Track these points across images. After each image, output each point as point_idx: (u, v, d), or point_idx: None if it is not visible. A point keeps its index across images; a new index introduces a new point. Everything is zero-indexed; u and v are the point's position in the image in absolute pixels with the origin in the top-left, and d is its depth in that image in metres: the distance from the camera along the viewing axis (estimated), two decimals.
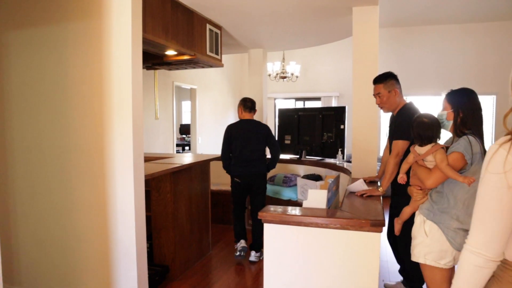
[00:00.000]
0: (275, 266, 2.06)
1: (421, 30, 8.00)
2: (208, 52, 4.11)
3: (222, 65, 4.44)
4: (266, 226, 2.06)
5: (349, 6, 3.62)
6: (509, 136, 1.07)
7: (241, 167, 3.84)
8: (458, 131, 2.05)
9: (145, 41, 3.08)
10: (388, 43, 7.98)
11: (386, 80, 2.79)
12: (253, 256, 3.84)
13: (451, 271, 2.08)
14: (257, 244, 3.85)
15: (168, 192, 3.35)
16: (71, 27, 2.61)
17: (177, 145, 8.03)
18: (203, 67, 4.53)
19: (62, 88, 2.66)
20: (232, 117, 8.97)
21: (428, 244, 2.03)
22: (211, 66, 4.47)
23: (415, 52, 8.04)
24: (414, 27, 8.02)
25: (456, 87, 2.18)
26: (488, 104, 7.73)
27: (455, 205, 1.98)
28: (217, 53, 4.29)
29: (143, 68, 4.55)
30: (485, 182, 1.09)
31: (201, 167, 3.89)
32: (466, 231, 2.01)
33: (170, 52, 3.73)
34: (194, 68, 4.63)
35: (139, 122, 2.55)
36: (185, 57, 3.88)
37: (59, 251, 2.75)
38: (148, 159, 3.90)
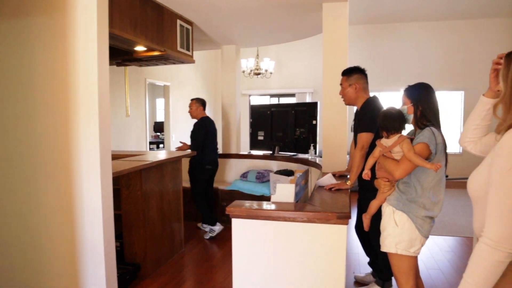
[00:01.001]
0: (244, 261, 2.07)
1: (393, 28, 8.16)
2: (179, 48, 4.08)
3: (193, 61, 4.41)
4: (234, 221, 2.06)
5: (319, 2, 3.66)
6: None
7: (214, 155, 4.60)
8: (419, 124, 2.13)
9: (112, 36, 3.03)
10: (360, 40, 8.11)
11: (350, 73, 2.85)
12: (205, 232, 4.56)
13: (416, 259, 2.16)
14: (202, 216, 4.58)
15: (139, 190, 3.31)
16: (34, 22, 2.53)
17: (151, 143, 7.93)
18: (174, 63, 4.49)
19: (25, 85, 2.58)
20: (207, 113, 8.92)
21: (399, 234, 2.08)
22: (182, 62, 4.44)
23: (387, 49, 8.20)
24: (386, 24, 8.17)
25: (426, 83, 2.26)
26: (456, 100, 7.99)
27: (422, 193, 2.06)
28: (188, 49, 4.26)
29: (113, 64, 4.48)
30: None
31: (173, 164, 3.86)
32: (432, 218, 2.09)
33: (140, 48, 3.68)
34: (165, 64, 4.58)
35: (106, 119, 2.50)
36: (155, 53, 3.84)
37: (22, 252, 2.67)
38: (118, 156, 3.84)
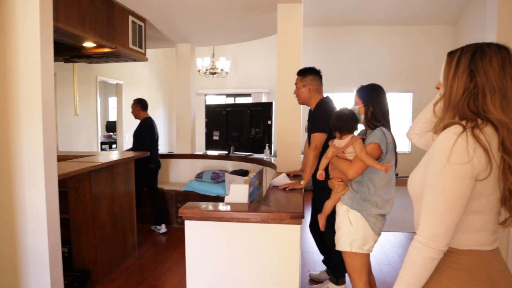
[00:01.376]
0: (198, 264, 2.03)
1: (346, 30, 8.40)
2: (131, 45, 3.95)
3: (146, 59, 4.29)
4: (187, 223, 2.02)
5: (274, 2, 3.68)
6: (460, 127, 1.09)
7: (157, 155, 4.75)
8: (370, 124, 2.19)
9: (58, 31, 2.88)
10: (314, 41, 8.28)
11: (305, 74, 2.89)
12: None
13: (369, 256, 2.22)
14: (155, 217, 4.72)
15: (88, 192, 3.17)
16: None
17: (103, 143, 7.64)
18: (126, 61, 4.35)
19: None
20: (162, 113, 8.75)
21: (353, 232, 2.14)
22: (134, 60, 4.30)
23: (340, 51, 8.42)
24: (340, 27, 8.39)
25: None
26: (406, 101, 8.37)
27: (375, 192, 2.13)
28: (141, 47, 4.14)
29: (60, 60, 4.26)
30: (446, 172, 1.07)
31: (125, 165, 3.74)
32: (384, 215, 2.16)
33: (89, 44, 3.52)
34: (116, 61, 4.43)
35: (50, 118, 2.37)
36: (106, 50, 3.69)
37: None
38: (65, 157, 3.67)
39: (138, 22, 4.06)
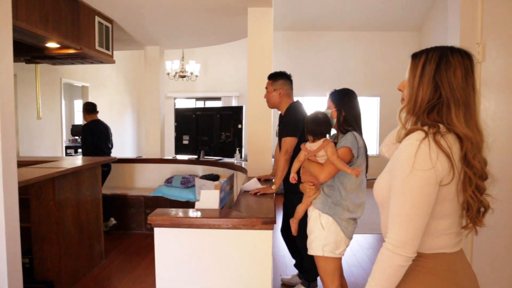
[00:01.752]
0: (168, 272, 1.97)
1: (316, 35, 8.52)
2: (97, 47, 3.83)
3: (113, 62, 4.17)
4: (157, 231, 1.96)
5: (245, 6, 3.67)
6: (423, 133, 1.10)
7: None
8: (341, 128, 2.21)
9: (18, 30, 2.75)
10: (284, 46, 8.34)
11: (275, 78, 2.89)
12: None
13: (341, 260, 2.23)
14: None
15: (51, 200, 3.03)
16: None
17: (69, 148, 7.36)
18: (92, 62, 4.20)
19: None
20: (130, 117, 8.55)
21: (325, 237, 2.14)
22: (101, 62, 4.17)
23: (310, 55, 8.53)
24: (309, 32, 8.50)
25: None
26: (373, 105, 8.57)
27: (346, 196, 2.14)
28: (107, 49, 4.02)
29: (21, 61, 4.08)
30: (411, 179, 1.08)
31: (91, 170, 3.61)
32: (355, 219, 2.18)
33: (52, 45, 3.38)
34: (82, 63, 4.27)
35: (9, 121, 2.24)
36: (71, 51, 3.56)
37: None
38: (27, 163, 3.50)
39: (105, 23, 3.94)
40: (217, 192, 2.16)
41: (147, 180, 5.16)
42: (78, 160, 3.86)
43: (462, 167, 1.09)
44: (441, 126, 1.12)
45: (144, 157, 5.44)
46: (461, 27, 2.18)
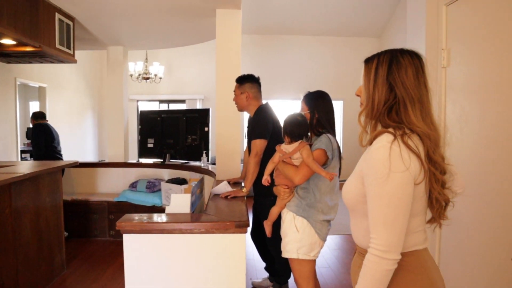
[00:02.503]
0: (139, 280, 1.89)
1: (282, 39, 8.61)
2: (57, 45, 3.65)
3: (75, 61, 4.00)
4: (126, 237, 1.88)
5: (213, 7, 3.63)
6: (391, 135, 1.12)
7: (60, 159, 4.70)
8: (315, 130, 2.21)
9: None
10: (251, 49, 8.35)
11: (242, 82, 2.88)
12: None
13: (315, 262, 2.24)
14: None
15: (7, 208, 2.83)
16: None
17: (24, 152, 6.98)
18: (52, 62, 4.01)
19: None
20: (91, 120, 8.24)
21: (300, 239, 2.13)
22: (62, 62, 3.99)
23: (277, 58, 8.60)
24: (276, 35, 8.58)
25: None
26: (337, 109, 8.75)
27: (320, 198, 2.14)
28: (69, 47, 3.85)
29: None
30: (390, 181, 1.09)
31: (51, 175, 3.42)
32: (329, 221, 2.18)
33: (7, 41, 3.19)
34: (41, 62, 4.07)
35: None
36: (28, 49, 3.38)
37: None
38: None
39: (66, 20, 3.77)
40: (188, 195, 2.11)
41: (111, 185, 4.97)
42: (37, 165, 3.65)
43: (428, 165, 1.13)
44: (405, 127, 1.14)
45: (107, 161, 5.25)
46: (427, 34, 2.26)
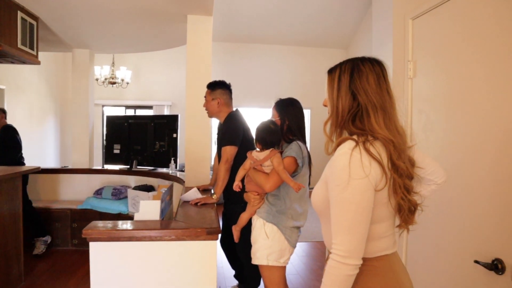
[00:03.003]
0: None
1: (252, 47, 8.68)
2: (19, 45, 3.50)
3: (38, 62, 3.84)
4: (92, 245, 1.80)
5: (184, 13, 3.61)
6: (353, 142, 1.14)
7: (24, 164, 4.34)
8: (285, 137, 2.22)
9: None
10: (222, 56, 8.36)
11: (214, 88, 2.87)
12: (38, 246, 4.15)
13: (285, 269, 2.24)
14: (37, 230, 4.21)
15: None
16: None
17: None
18: (13, 62, 3.83)
19: None
20: (53, 124, 7.93)
21: (270, 246, 2.13)
22: (24, 63, 3.82)
23: (247, 67, 8.66)
24: (246, 44, 8.64)
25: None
26: (305, 117, 8.88)
27: (290, 205, 2.15)
28: (32, 48, 3.70)
29: None
30: (350, 188, 1.10)
31: (10, 182, 3.25)
32: (298, 228, 2.18)
33: None
34: (1, 62, 3.88)
35: None
36: None
37: None
38: None
39: (29, 20, 3.62)
40: (158, 202, 2.06)
41: (74, 192, 4.79)
42: None
43: (390, 171, 1.14)
44: (368, 134, 1.17)
45: (70, 167, 5.05)
46: (394, 46, 2.34)
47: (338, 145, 1.17)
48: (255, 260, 2.19)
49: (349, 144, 1.13)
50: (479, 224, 1.59)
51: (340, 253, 1.10)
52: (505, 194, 1.46)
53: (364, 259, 1.17)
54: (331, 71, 1.29)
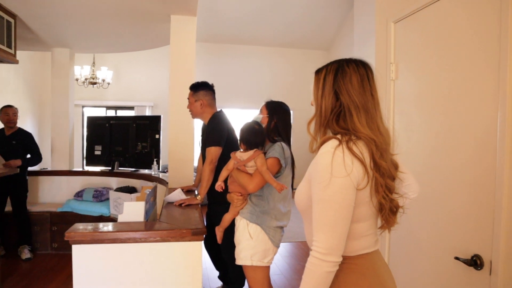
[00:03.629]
0: None
1: (234, 49, 8.69)
2: None
3: (16, 61, 3.75)
4: (75, 248, 1.77)
5: (168, 13, 3.59)
6: (337, 141, 1.16)
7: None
8: (270, 137, 2.23)
9: None
10: (205, 57, 8.33)
11: (196, 89, 2.86)
12: (26, 253, 4.04)
13: (269, 268, 2.24)
14: (27, 238, 4.14)
15: None
16: None
17: None
18: None
19: None
20: (30, 125, 7.73)
21: (254, 246, 2.13)
22: (1, 61, 3.73)
23: (230, 67, 8.66)
24: (230, 44, 8.64)
25: (262, 102, 2.40)
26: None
27: (274, 205, 2.16)
28: (9, 46, 3.61)
29: None
30: (331, 186, 1.11)
31: None
32: (282, 228, 2.19)
33: None
34: None
35: None
36: None
37: None
38: None
39: (6, 17, 3.53)
40: (142, 203, 2.04)
41: (54, 195, 4.69)
42: None
43: (372, 170, 1.16)
44: (352, 133, 1.19)
45: (49, 169, 4.95)
46: (376, 48, 2.39)
47: (322, 143, 1.19)
48: (239, 261, 2.19)
49: (332, 143, 1.15)
50: (459, 221, 1.64)
51: (320, 250, 1.11)
52: (483, 192, 1.51)
53: (345, 257, 1.19)
54: (318, 72, 1.30)
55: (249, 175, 2.14)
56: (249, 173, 2.15)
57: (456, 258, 1.57)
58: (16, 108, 4.11)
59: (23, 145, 4.09)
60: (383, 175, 1.17)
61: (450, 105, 1.74)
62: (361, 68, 1.23)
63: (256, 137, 2.16)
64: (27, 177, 4.21)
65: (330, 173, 1.11)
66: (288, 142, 2.27)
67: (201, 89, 2.86)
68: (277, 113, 2.28)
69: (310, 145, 1.27)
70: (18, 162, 3.88)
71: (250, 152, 2.14)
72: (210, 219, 3.00)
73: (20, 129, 4.18)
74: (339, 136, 1.18)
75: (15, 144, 4.03)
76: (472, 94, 1.60)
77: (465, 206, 1.61)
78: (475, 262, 1.48)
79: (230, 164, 2.22)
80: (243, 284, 2.98)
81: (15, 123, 4.08)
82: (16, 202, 4.05)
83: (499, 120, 1.43)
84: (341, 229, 1.12)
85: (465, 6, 1.66)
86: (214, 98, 2.94)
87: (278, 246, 2.22)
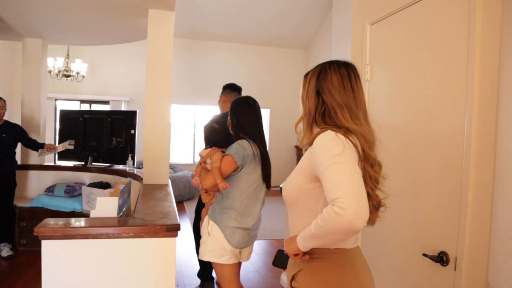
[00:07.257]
0: None
1: (213, 45, 8.62)
2: None
3: None
4: (45, 244, 1.73)
5: (145, 7, 3.53)
6: (332, 132, 1.20)
7: None
8: (236, 136, 2.24)
9: None
10: (181, 53, 8.22)
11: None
12: (7, 250, 3.91)
13: (238, 267, 2.24)
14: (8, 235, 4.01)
15: None
16: None
17: None
18: None
19: None
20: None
21: (211, 243, 2.14)
22: None
23: (204, 64, 8.57)
24: (207, 41, 8.57)
25: None
26: (264, 116, 8.98)
27: (235, 205, 2.14)
28: None
29: None
30: (345, 153, 1.13)
31: None
32: (244, 229, 2.16)
33: None
34: None
35: None
36: None
37: None
38: None
39: None
40: (115, 199, 2.02)
41: (23, 190, 4.55)
42: None
43: (363, 162, 1.22)
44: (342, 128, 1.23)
45: (19, 163, 4.79)
46: (352, 50, 2.43)
47: (317, 135, 1.23)
48: (199, 255, 2.23)
49: (329, 132, 1.20)
50: (427, 219, 1.69)
51: (340, 205, 1.06)
52: (449, 191, 1.57)
53: (325, 250, 1.24)
54: (306, 75, 1.38)
55: (207, 172, 2.19)
56: (208, 169, 2.18)
57: (424, 254, 1.62)
58: (4, 101, 4.03)
59: (13, 138, 4.06)
60: (372, 166, 1.24)
61: (420, 107, 1.80)
62: (342, 68, 1.29)
63: (214, 135, 2.26)
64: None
65: (343, 145, 1.15)
66: (259, 139, 2.21)
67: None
68: (237, 112, 2.24)
69: (300, 141, 1.34)
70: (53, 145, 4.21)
71: (209, 150, 2.21)
72: (201, 203, 2.98)
73: (7, 121, 4.11)
74: (334, 128, 1.22)
75: (5, 138, 3.97)
76: (441, 96, 1.66)
77: (433, 204, 1.67)
78: (442, 259, 1.54)
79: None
80: (210, 279, 3.01)
81: (3, 116, 4.02)
82: (3, 196, 3.95)
83: (466, 122, 1.49)
84: (361, 187, 1.10)
85: (437, 11, 1.72)
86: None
87: (237, 247, 2.15)
